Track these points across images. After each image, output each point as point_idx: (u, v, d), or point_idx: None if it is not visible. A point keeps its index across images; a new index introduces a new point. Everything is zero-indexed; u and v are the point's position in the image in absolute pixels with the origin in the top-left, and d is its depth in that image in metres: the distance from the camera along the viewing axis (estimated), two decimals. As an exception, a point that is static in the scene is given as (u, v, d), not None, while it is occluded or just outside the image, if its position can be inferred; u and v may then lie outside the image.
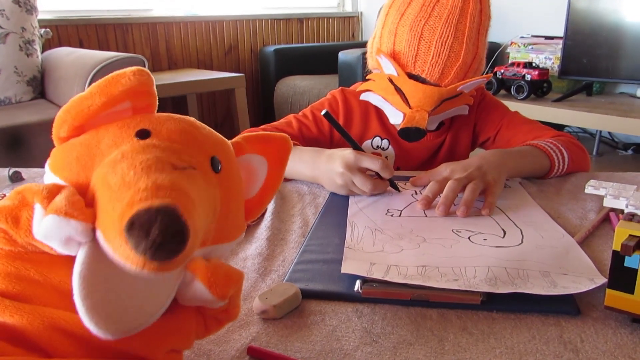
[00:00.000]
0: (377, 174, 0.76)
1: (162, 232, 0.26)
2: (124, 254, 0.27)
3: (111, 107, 0.34)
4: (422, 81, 0.87)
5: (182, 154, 0.33)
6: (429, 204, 0.71)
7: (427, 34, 0.85)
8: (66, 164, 0.34)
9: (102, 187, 0.30)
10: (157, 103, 0.37)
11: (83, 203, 0.30)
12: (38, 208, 0.30)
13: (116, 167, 0.30)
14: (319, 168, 0.80)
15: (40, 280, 0.31)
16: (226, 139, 0.41)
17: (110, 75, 0.34)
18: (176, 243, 0.27)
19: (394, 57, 0.88)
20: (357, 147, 0.78)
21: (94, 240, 0.30)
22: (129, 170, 0.30)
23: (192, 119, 0.38)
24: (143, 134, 0.34)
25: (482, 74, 0.91)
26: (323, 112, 0.77)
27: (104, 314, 0.29)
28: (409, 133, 0.87)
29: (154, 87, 0.36)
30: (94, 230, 0.30)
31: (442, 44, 0.84)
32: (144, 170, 0.30)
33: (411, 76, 0.87)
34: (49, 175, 0.35)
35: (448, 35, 0.84)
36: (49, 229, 0.29)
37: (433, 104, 0.86)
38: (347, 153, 0.76)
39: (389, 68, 0.88)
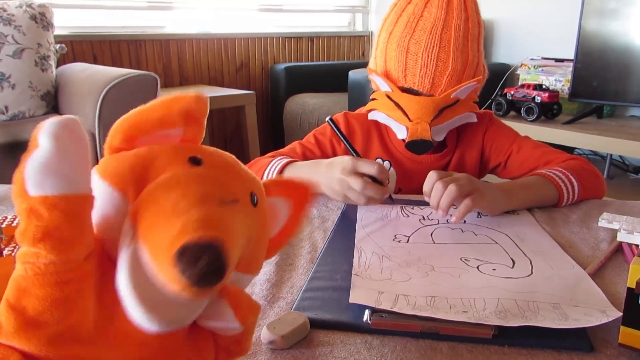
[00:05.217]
0: (374, 179, 0.79)
1: (208, 264, 0.29)
2: (169, 275, 0.29)
3: (166, 126, 0.36)
4: (416, 93, 0.89)
5: (228, 186, 0.36)
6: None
7: (413, 48, 0.88)
8: (118, 172, 0.34)
9: (153, 205, 0.32)
10: (203, 137, 0.39)
11: None
12: None
13: (170, 192, 0.32)
14: (319, 173, 0.83)
15: None
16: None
17: (172, 94, 0.36)
18: (217, 276, 0.29)
19: (387, 75, 0.92)
20: (357, 155, 0.82)
21: (134, 251, 0.32)
22: (183, 200, 0.32)
23: (231, 156, 0.40)
24: (195, 161, 0.36)
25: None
26: (328, 118, 0.82)
27: (151, 304, 0.31)
28: (416, 145, 0.90)
29: (205, 120, 0.38)
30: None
31: (428, 55, 0.86)
32: (196, 202, 0.32)
33: (405, 90, 0.89)
34: (97, 182, 0.34)
35: (433, 46, 0.86)
36: None
37: (431, 114, 0.88)
38: (346, 159, 0.79)
39: (383, 85, 0.91)
